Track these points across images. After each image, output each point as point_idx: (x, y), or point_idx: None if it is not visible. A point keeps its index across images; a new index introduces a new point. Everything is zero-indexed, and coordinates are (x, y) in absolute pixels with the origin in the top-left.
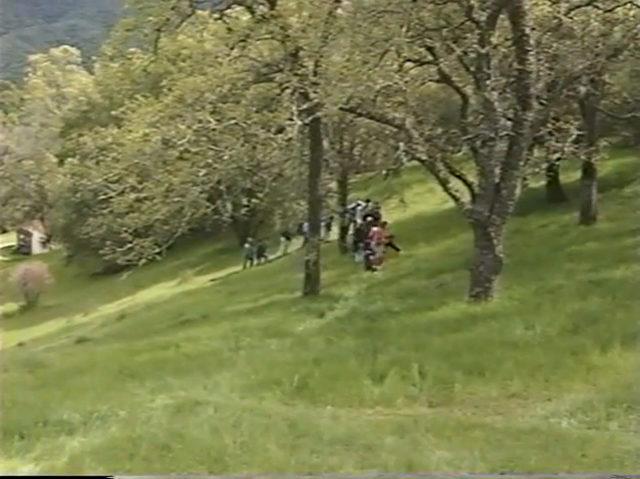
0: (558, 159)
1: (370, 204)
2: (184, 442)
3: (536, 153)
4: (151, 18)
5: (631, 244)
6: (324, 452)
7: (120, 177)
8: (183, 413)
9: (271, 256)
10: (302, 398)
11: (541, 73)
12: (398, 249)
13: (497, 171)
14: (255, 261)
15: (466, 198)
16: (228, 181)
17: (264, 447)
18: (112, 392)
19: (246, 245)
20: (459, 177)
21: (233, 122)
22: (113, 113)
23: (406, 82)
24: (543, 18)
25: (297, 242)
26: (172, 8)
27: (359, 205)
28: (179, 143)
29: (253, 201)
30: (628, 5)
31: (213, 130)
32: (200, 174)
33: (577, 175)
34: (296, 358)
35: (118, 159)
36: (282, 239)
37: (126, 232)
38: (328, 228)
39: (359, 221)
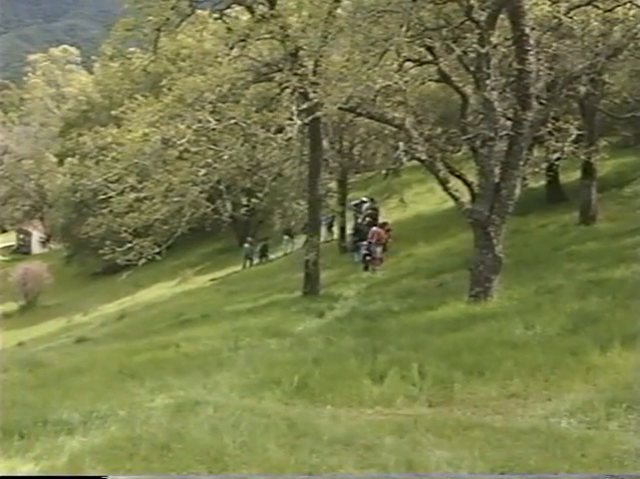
0: (558, 158)
1: (369, 203)
2: (184, 442)
3: (536, 153)
4: (150, 18)
5: (631, 244)
6: (324, 452)
7: (119, 176)
8: (183, 413)
9: (273, 256)
10: (302, 398)
11: (541, 73)
12: (385, 249)
13: (497, 170)
14: (256, 261)
15: (465, 197)
16: (228, 180)
17: (264, 447)
18: (111, 392)
19: (246, 245)
20: (458, 176)
21: (233, 122)
22: (112, 113)
23: (405, 82)
24: (543, 18)
25: (300, 242)
26: (172, 8)
27: (364, 202)
28: (179, 143)
29: (253, 200)
30: (628, 5)
31: (213, 130)
32: (200, 173)
33: (577, 175)
34: (296, 358)
35: (117, 158)
36: (285, 237)
37: (125, 231)
38: (330, 227)
39: (360, 220)
